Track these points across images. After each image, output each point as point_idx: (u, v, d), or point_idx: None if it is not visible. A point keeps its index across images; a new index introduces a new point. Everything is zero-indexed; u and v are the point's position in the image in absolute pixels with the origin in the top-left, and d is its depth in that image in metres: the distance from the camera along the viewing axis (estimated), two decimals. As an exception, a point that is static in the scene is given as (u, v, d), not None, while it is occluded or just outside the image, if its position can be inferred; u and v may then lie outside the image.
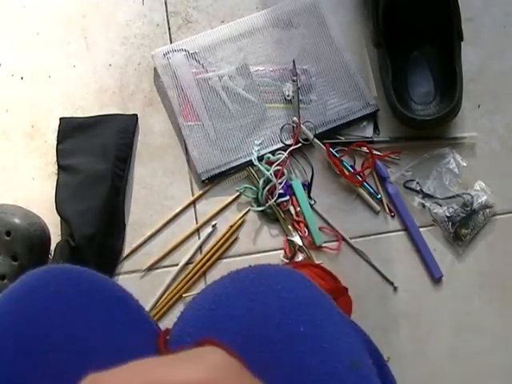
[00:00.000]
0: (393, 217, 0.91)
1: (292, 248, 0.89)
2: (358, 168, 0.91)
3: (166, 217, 0.91)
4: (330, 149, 0.90)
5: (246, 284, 0.50)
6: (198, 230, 0.91)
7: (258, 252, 0.91)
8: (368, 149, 0.90)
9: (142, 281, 0.90)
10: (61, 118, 0.94)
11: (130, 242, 0.91)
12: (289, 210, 0.90)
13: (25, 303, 0.46)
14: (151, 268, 0.90)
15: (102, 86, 0.95)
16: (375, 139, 0.92)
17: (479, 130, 0.92)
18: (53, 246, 0.90)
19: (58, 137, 0.93)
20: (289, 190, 0.91)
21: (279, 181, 0.90)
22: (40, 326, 0.44)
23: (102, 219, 0.88)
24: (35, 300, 0.46)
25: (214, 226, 0.91)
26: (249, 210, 0.91)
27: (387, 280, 0.89)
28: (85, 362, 0.44)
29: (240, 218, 0.91)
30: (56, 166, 0.92)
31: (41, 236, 0.88)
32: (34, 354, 0.42)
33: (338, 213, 0.91)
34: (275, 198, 0.89)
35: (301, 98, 0.92)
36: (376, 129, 0.93)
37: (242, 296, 0.49)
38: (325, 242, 0.90)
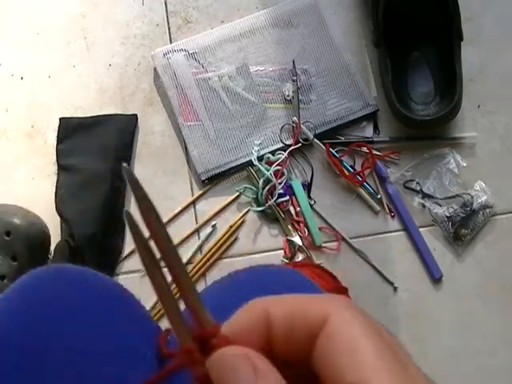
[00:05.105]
0: (393, 217, 0.91)
1: (292, 248, 0.89)
2: (358, 168, 0.91)
3: (165, 217, 0.91)
4: (330, 149, 0.90)
5: (246, 285, 0.50)
6: (197, 230, 0.91)
7: (258, 252, 0.91)
8: (368, 149, 0.90)
9: (142, 281, 0.90)
10: (61, 118, 0.94)
11: (130, 242, 0.91)
12: (289, 210, 0.90)
13: (25, 303, 0.46)
14: (151, 268, 0.90)
15: (102, 86, 0.95)
16: (375, 139, 0.92)
17: (479, 129, 0.92)
18: (53, 246, 0.89)
19: (57, 137, 0.93)
20: (289, 190, 0.91)
21: (279, 181, 0.90)
22: (41, 326, 0.44)
23: (101, 219, 0.88)
24: (36, 300, 0.46)
25: (213, 226, 0.91)
26: (249, 210, 0.91)
27: (387, 280, 0.89)
28: (85, 361, 0.44)
29: (240, 218, 0.91)
30: (56, 166, 0.92)
31: (41, 236, 0.88)
32: (36, 354, 0.42)
33: (338, 213, 0.91)
34: (275, 198, 0.89)
35: (301, 98, 0.92)
36: (376, 129, 0.93)
37: (241, 297, 0.49)
38: (325, 242, 0.90)
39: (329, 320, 0.24)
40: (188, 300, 0.25)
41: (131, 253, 0.91)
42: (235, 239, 0.91)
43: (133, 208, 0.92)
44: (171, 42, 0.96)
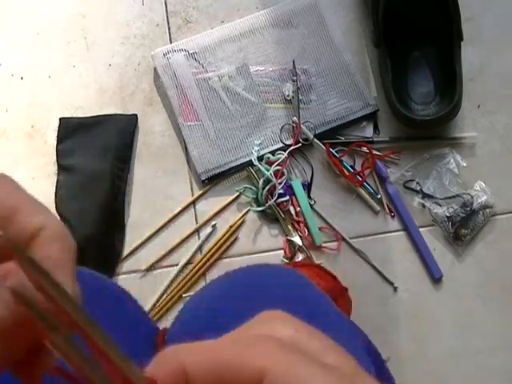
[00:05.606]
0: (393, 217, 0.91)
1: (292, 248, 0.89)
2: (358, 168, 0.91)
3: (165, 217, 0.91)
4: (330, 149, 0.90)
5: (244, 283, 0.50)
6: (197, 230, 0.91)
7: (258, 252, 0.91)
8: (368, 149, 0.90)
9: (142, 281, 0.90)
10: (61, 118, 0.94)
11: (130, 242, 0.91)
12: (289, 210, 0.90)
13: None
14: (151, 268, 0.90)
15: (102, 86, 0.95)
16: (375, 139, 0.92)
17: (479, 130, 0.92)
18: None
19: (57, 137, 0.93)
20: (289, 190, 0.91)
21: (279, 181, 0.90)
22: None
23: (101, 219, 0.88)
24: None
25: (213, 226, 0.91)
26: (249, 210, 0.91)
27: (387, 280, 0.89)
28: None
29: (240, 218, 0.91)
30: (56, 166, 0.92)
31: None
32: None
33: (338, 213, 0.91)
34: (275, 198, 0.89)
35: (301, 98, 0.92)
36: (376, 129, 0.93)
37: (239, 294, 0.49)
38: (324, 242, 0.90)
39: (267, 376, 0.20)
40: (108, 357, 0.21)
41: (131, 253, 0.91)
42: (235, 239, 0.91)
43: (132, 209, 0.92)
44: (171, 42, 0.96)
